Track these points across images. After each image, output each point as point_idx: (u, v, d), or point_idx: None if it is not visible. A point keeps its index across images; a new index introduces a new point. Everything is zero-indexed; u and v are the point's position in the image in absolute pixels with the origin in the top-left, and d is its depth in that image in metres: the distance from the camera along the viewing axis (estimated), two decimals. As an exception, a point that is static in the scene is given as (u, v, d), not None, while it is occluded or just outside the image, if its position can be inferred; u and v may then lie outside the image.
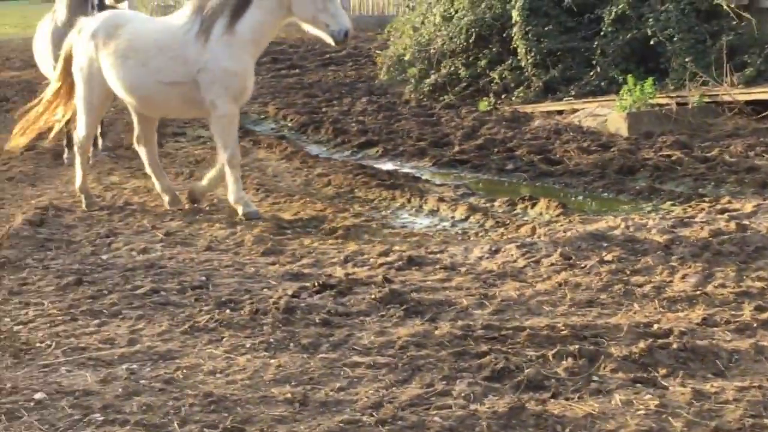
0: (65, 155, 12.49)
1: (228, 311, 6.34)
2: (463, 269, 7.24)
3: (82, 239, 8.85)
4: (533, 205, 9.72)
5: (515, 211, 9.68)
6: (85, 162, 10.14)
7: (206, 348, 5.74)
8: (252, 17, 9.04)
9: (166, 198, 9.91)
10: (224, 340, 5.87)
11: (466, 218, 9.41)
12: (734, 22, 14.80)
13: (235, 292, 6.80)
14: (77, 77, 9.65)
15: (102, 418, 4.74)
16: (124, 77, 9.27)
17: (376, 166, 12.15)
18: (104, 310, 6.59)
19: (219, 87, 9.09)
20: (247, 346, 5.73)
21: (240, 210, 9.31)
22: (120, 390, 5.08)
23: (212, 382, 5.19)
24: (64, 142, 12.57)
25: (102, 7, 11.54)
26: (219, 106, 9.15)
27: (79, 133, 9.93)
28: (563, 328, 5.69)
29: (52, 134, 10.87)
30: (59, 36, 11.64)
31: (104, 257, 8.19)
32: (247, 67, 9.36)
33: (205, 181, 9.83)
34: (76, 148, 10.06)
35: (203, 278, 7.25)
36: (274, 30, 9.69)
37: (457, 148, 12.73)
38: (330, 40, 9.17)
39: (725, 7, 14.83)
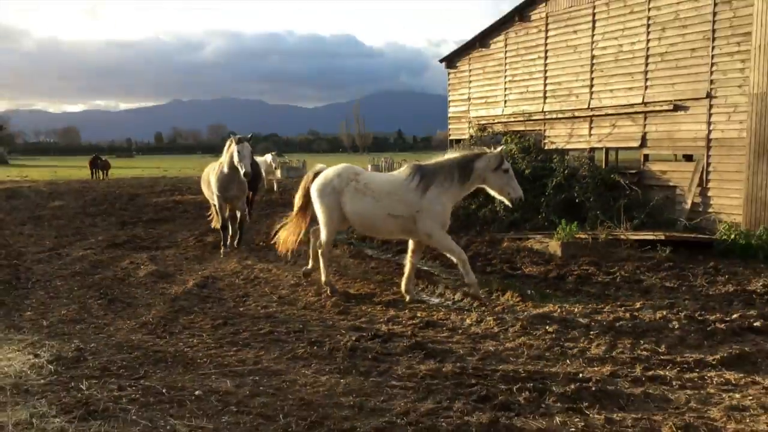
0: (222, 249, 12.58)
1: (315, 347, 6.26)
2: (460, 331, 7.12)
3: (227, 297, 8.83)
4: (503, 294, 9.58)
5: (492, 297, 9.54)
6: (327, 262, 9.41)
7: (302, 369, 5.65)
8: (456, 181, 8.85)
9: (326, 284, 9.33)
10: (312, 365, 5.78)
11: (461, 299, 9.29)
12: (627, 192, 14.80)
13: (320, 336, 6.72)
14: (320, 203, 9.11)
15: (236, 409, 4.66)
16: (361, 208, 8.86)
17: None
18: (240, 342, 6.53)
19: (432, 222, 8.66)
20: (327, 369, 5.63)
21: (471, 290, 8.89)
22: (247, 392, 4.99)
23: (304, 391, 5.09)
24: (221, 239, 12.84)
25: (252, 162, 12.22)
26: (434, 234, 8.73)
27: (322, 239, 9.29)
28: (523, 372, 5.54)
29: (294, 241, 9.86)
30: (223, 178, 12.32)
31: (241, 309, 8.16)
32: (448, 210, 8.92)
33: (467, 282, 8.97)
34: (320, 252, 9.33)
35: (301, 326, 7.18)
36: (470, 189, 9.24)
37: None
38: (508, 203, 9.13)
39: (622, 182, 14.89)
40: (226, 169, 12.21)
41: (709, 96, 13.57)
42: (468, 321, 7.57)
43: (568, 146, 16.81)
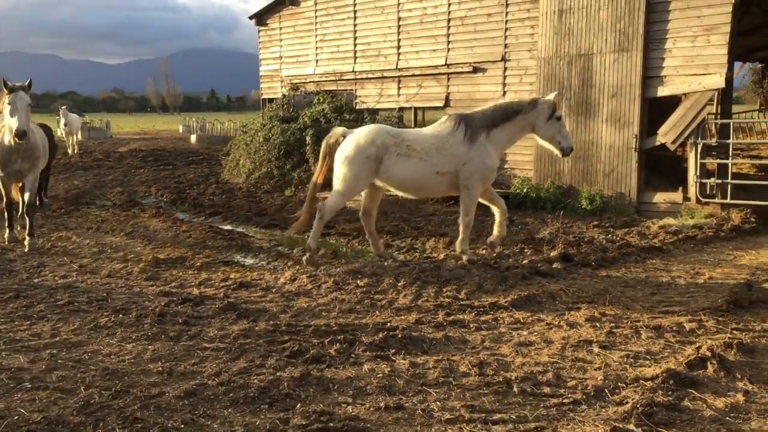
0: (6, 234, 9.78)
1: (121, 315, 5.98)
2: (274, 290, 7.15)
3: (20, 269, 8.14)
4: (317, 251, 9.74)
5: (307, 255, 9.66)
6: (320, 228, 8.70)
7: (105, 339, 5.39)
8: (505, 130, 8.38)
9: (379, 256, 8.90)
10: (117, 333, 5.52)
11: (276, 259, 9.33)
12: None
13: (126, 304, 6.41)
14: (347, 169, 8.28)
15: (30, 385, 4.36)
16: (407, 172, 8.20)
17: (220, 226, 11.85)
18: (34, 315, 6.07)
19: (477, 175, 8.24)
20: (133, 337, 5.42)
21: (464, 258, 8.40)
22: (43, 366, 4.68)
23: (108, 360, 4.87)
24: (5, 220, 9.98)
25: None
26: (472, 188, 8.28)
27: (328, 203, 8.50)
28: (335, 326, 5.71)
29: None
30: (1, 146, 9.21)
31: (36, 280, 7.56)
32: (496, 163, 8.53)
33: (457, 244, 8.63)
34: (319, 214, 8.49)
35: (105, 294, 6.81)
36: (518, 139, 8.86)
37: (271, 217, 12.63)
38: (559, 153, 8.50)
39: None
40: (6, 136, 8.95)
41: (503, 59, 14.54)
42: (282, 280, 7.61)
43: (379, 106, 17.24)
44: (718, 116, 14.67)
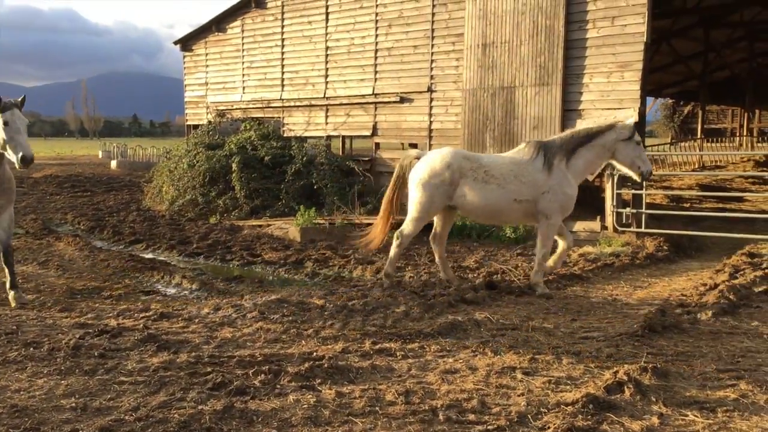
0: None
1: (32, 349, 5.70)
2: (197, 320, 6.97)
3: None
4: (242, 282, 9.62)
5: (231, 285, 9.52)
6: (398, 256, 8.75)
7: (14, 374, 5.12)
8: (584, 156, 8.24)
9: (447, 281, 8.75)
10: (28, 368, 5.26)
11: (199, 288, 9.14)
12: (362, 178, 15.65)
13: (38, 336, 6.12)
14: (421, 194, 8.21)
15: (-69, 425, 4.09)
16: (485, 198, 8.08)
17: (141, 255, 11.54)
18: (-63, 350, 5.72)
19: (557, 204, 8.12)
20: (45, 372, 5.17)
21: (538, 290, 8.34)
22: (-54, 405, 4.41)
23: (17, 397, 4.62)
24: None
25: None
26: (552, 217, 8.19)
27: (405, 230, 8.47)
28: (259, 356, 5.61)
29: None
30: None
31: (-61, 313, 7.14)
32: (575, 191, 8.35)
33: (532, 276, 8.66)
34: (396, 241, 8.50)
35: (15, 327, 6.49)
36: (598, 166, 8.73)
37: (195, 245, 12.39)
38: (638, 178, 8.47)
39: (357, 169, 15.70)
40: None
41: (430, 90, 14.85)
42: (205, 310, 7.45)
43: (307, 133, 17.27)
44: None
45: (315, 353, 5.75)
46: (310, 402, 4.62)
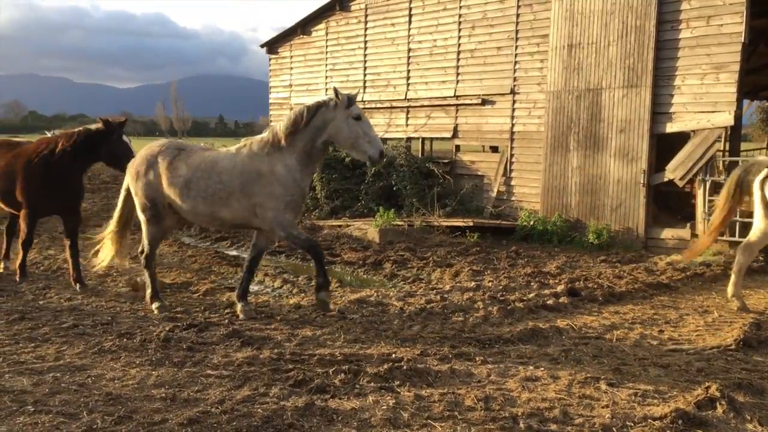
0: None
1: (125, 339, 5.97)
2: (279, 317, 7.12)
3: (26, 290, 8.14)
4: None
5: (311, 283, 9.66)
6: (742, 274, 8.08)
7: (109, 363, 5.37)
8: None
9: (730, 291, 8.07)
10: (122, 358, 5.51)
11: (281, 286, 9.32)
12: (441, 180, 15.59)
13: (131, 328, 6.41)
14: None
15: (33, 408, 4.33)
16: None
17: (226, 252, 11.88)
18: (39, 337, 6.06)
19: None
20: (137, 362, 5.40)
21: (735, 304, 7.95)
22: (47, 390, 4.67)
23: (112, 385, 4.85)
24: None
25: None
26: None
27: (756, 243, 7.82)
28: (339, 355, 5.68)
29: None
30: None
31: (41, 302, 7.56)
32: None
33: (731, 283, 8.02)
34: (739, 262, 7.92)
35: (110, 318, 6.81)
36: None
37: (276, 244, 12.64)
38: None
39: (436, 171, 15.66)
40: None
41: (512, 92, 14.64)
42: (287, 307, 7.59)
43: (387, 135, 17.34)
44: (727, 153, 14.69)
45: (394, 354, 5.76)
46: (389, 403, 4.63)
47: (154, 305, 7.26)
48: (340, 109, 6.93)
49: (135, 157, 7.56)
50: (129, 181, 7.49)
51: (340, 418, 4.37)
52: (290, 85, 20.25)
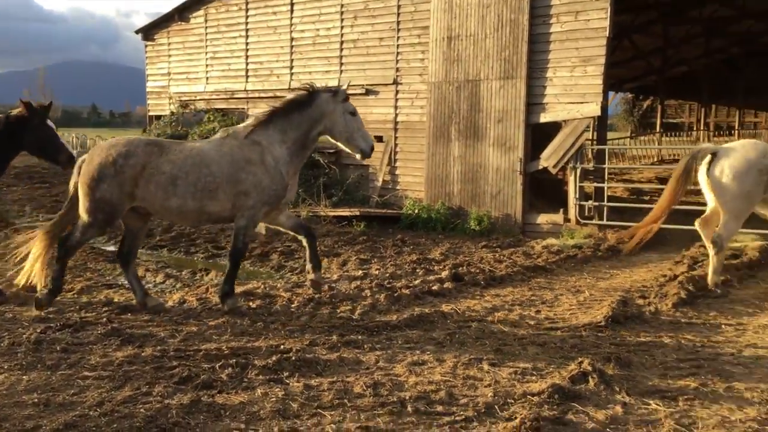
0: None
1: (-9, 344, 5.57)
2: (161, 313, 6.88)
3: None
4: (207, 274, 9.52)
5: (195, 278, 9.43)
6: (720, 261, 8.10)
7: (-27, 370, 4.99)
8: None
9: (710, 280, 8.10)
10: (-12, 364, 5.13)
11: (164, 281, 9.02)
12: (327, 170, 15.58)
13: (-3, 331, 5.99)
14: (737, 188, 7.66)
15: None
16: None
17: (102, 248, 11.33)
18: None
19: None
20: (5, 367, 5.04)
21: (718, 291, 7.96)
22: None
23: (-22, 393, 4.51)
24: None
25: None
26: None
27: (725, 233, 7.88)
28: (226, 349, 5.56)
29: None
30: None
31: None
32: None
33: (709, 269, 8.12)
34: (716, 249, 7.90)
35: (-28, 322, 6.32)
36: None
37: (158, 238, 12.21)
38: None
39: (322, 162, 15.62)
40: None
41: (395, 82, 14.84)
42: (170, 303, 7.35)
43: (271, 126, 17.08)
44: (595, 142, 15.59)
45: (282, 346, 5.72)
46: (279, 395, 4.59)
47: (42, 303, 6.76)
48: (338, 103, 7.01)
49: (91, 158, 6.79)
50: (82, 183, 6.75)
51: (227, 413, 4.29)
52: (169, 74, 19.55)
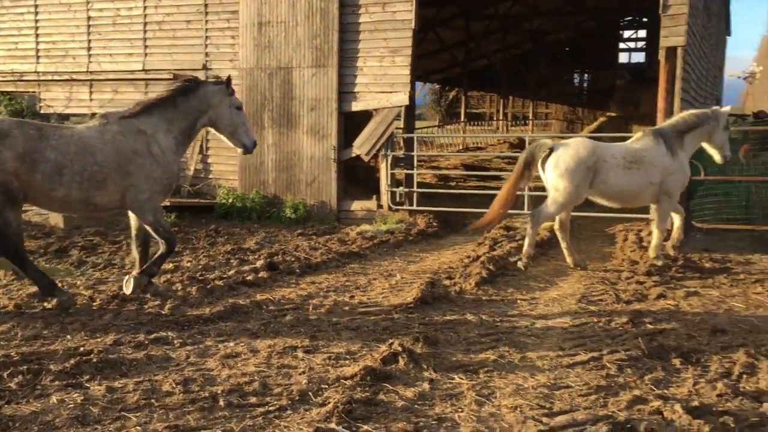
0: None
1: None
2: (-64, 321, 6.12)
3: None
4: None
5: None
6: (534, 235, 8.90)
7: None
8: (690, 141, 9.00)
9: (576, 266, 8.96)
10: None
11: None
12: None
13: None
14: (563, 180, 8.43)
15: None
16: (626, 182, 8.57)
17: None
18: None
19: (679, 184, 8.92)
20: None
21: (659, 262, 8.82)
22: None
23: None
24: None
25: None
26: (674, 195, 8.93)
27: (545, 212, 8.66)
28: (16, 355, 5.07)
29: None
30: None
31: None
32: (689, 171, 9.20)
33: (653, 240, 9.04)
34: (532, 222, 8.70)
35: None
36: (695, 149, 9.30)
37: None
38: (721, 161, 9.34)
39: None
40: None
41: (205, 68, 14.34)
42: (-52, 309, 6.56)
43: (69, 111, 15.81)
44: (404, 131, 16.18)
45: (82, 348, 5.33)
46: (77, 401, 4.28)
47: None
48: (225, 96, 7.15)
49: None
50: None
51: (17, 425, 3.92)
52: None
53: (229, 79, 7.31)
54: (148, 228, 7.04)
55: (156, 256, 7.15)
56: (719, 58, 22.53)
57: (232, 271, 8.40)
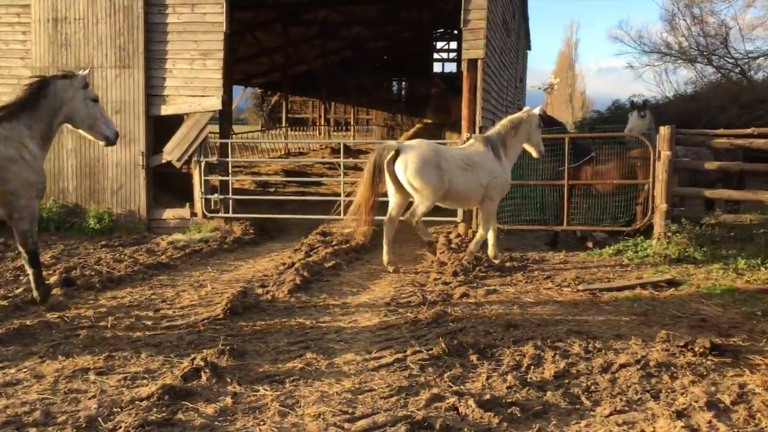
0: None
1: None
2: None
3: None
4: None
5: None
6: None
7: None
8: (514, 144, 9.56)
9: (386, 259, 9.17)
10: None
11: None
12: None
13: None
14: (418, 180, 8.74)
15: None
16: (466, 182, 9.00)
17: None
18: None
19: (501, 188, 9.38)
20: None
21: (497, 260, 9.41)
22: None
23: None
24: None
25: None
26: (496, 199, 9.40)
27: (419, 211, 8.92)
28: None
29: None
30: None
31: None
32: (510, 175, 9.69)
33: (471, 246, 9.60)
34: (415, 220, 9.02)
35: None
36: (521, 149, 9.83)
37: None
38: (537, 155, 10.00)
39: None
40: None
41: (-9, 66, 13.03)
42: None
43: None
44: (219, 136, 15.76)
45: None
46: None
47: None
48: (77, 89, 6.90)
49: None
50: None
51: None
52: None
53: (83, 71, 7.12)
54: (19, 236, 6.68)
55: (34, 276, 6.87)
56: (521, 70, 24.35)
57: (20, 289, 7.67)
